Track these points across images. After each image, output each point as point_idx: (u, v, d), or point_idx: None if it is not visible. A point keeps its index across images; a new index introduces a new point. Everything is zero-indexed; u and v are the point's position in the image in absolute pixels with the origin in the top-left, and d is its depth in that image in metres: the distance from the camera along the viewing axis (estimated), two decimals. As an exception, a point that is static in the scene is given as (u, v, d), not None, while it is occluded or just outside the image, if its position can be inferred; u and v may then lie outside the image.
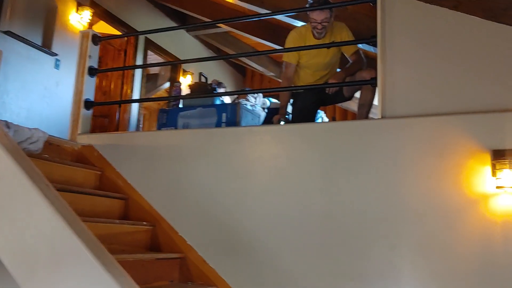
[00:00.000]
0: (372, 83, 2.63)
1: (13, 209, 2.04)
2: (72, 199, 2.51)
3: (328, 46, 3.11)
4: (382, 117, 2.49)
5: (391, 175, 2.38)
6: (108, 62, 5.79)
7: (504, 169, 2.10)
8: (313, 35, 3.16)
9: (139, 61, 5.91)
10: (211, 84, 4.01)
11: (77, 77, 3.33)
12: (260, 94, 5.26)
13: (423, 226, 2.27)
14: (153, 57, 6.83)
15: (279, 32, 5.33)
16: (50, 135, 2.97)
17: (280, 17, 4.59)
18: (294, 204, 2.53)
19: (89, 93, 3.32)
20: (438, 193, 2.28)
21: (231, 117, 3.55)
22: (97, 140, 3.16)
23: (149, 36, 6.04)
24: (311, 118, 3.43)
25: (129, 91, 5.71)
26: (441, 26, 2.48)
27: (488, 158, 2.19)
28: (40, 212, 1.97)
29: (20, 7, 4.29)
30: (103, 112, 5.60)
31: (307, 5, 3.10)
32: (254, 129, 2.90)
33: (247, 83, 8.79)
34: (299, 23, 4.03)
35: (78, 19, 4.89)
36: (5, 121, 2.70)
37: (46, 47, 4.52)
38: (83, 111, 3.25)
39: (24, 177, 2.07)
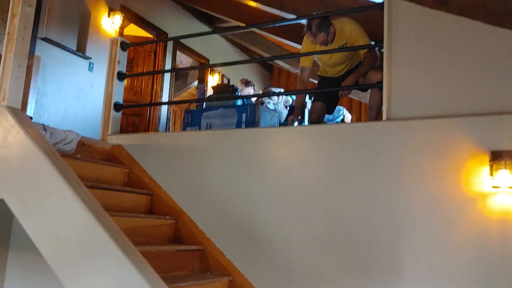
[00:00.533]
0: (379, 86, 2.77)
1: (49, 206, 2.30)
2: (101, 195, 2.78)
3: (335, 51, 3.27)
4: (387, 119, 2.62)
5: (395, 175, 2.52)
6: (139, 63, 6.09)
7: (500, 170, 2.20)
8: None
9: (168, 62, 6.17)
10: (232, 85, 4.20)
11: (107, 82, 3.59)
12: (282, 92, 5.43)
13: (424, 223, 2.40)
14: (182, 57, 7.10)
15: (300, 32, 5.46)
16: (83, 136, 3.24)
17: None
18: (303, 201, 2.70)
19: (118, 96, 3.58)
20: (440, 192, 2.40)
21: (251, 117, 3.75)
22: (126, 140, 3.41)
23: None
24: (323, 112, 3.66)
25: (159, 90, 5.98)
26: (445, 31, 2.58)
27: (487, 158, 2.29)
28: (72, 208, 2.22)
29: (55, 15, 4.60)
30: (135, 111, 5.91)
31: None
32: (267, 130, 3.08)
33: (274, 80, 8.96)
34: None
35: (110, 24, 5.18)
36: (42, 124, 2.98)
37: (80, 51, 4.83)
38: (113, 113, 3.51)
39: (58, 177, 2.33)
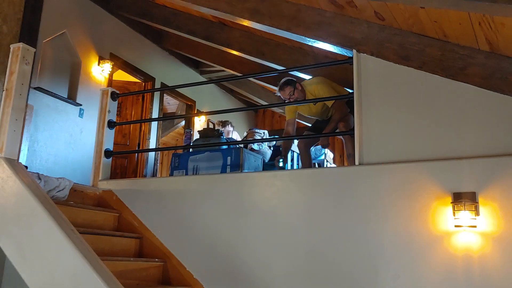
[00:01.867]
0: (351, 133, 3.01)
1: (44, 251, 2.45)
2: (93, 240, 2.93)
3: (306, 102, 3.78)
4: (360, 164, 2.85)
5: (369, 216, 2.72)
6: (127, 106, 6.31)
7: (461, 211, 2.42)
8: None
9: (156, 105, 6.40)
10: (218, 129, 4.42)
11: (98, 130, 3.79)
12: (267, 133, 5.69)
13: (397, 260, 2.60)
14: (169, 98, 7.35)
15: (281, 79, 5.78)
16: (75, 183, 3.41)
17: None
18: (286, 240, 2.88)
19: (109, 143, 3.77)
20: (409, 231, 2.61)
21: (235, 160, 3.96)
22: (116, 185, 3.58)
23: (165, 81, 6.55)
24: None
25: (147, 131, 6.18)
26: (408, 83, 2.85)
27: (449, 200, 2.52)
28: (66, 254, 2.38)
29: (48, 65, 4.83)
30: (123, 154, 6.08)
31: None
32: (251, 175, 3.28)
33: (259, 119, 9.25)
34: (298, 73, 4.45)
35: (100, 71, 5.42)
36: (37, 173, 3.15)
37: (71, 98, 5.04)
38: (103, 159, 3.70)
39: (53, 224, 2.50)
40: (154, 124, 6.36)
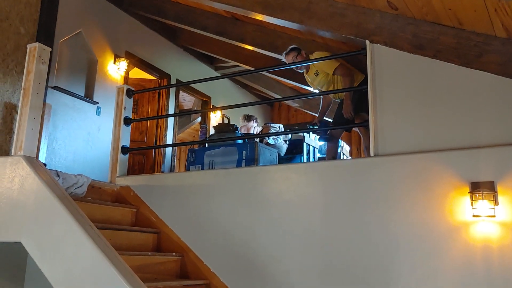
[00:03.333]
0: (366, 125, 2.98)
1: (64, 247, 2.49)
2: (111, 235, 2.97)
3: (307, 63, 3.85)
4: (375, 155, 2.82)
5: (385, 207, 2.70)
6: (144, 104, 6.37)
7: (479, 200, 2.39)
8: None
9: (172, 101, 6.45)
10: (233, 124, 4.43)
11: (114, 127, 3.83)
12: (282, 127, 5.68)
13: (414, 252, 2.57)
14: (184, 95, 7.39)
15: (296, 72, 5.76)
16: (93, 180, 3.46)
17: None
18: (301, 234, 2.88)
19: (125, 140, 3.82)
20: (426, 222, 2.58)
21: (250, 154, 3.97)
22: (133, 181, 3.62)
23: (180, 77, 6.58)
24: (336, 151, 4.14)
25: (163, 128, 6.23)
26: (422, 72, 2.81)
27: (467, 189, 2.48)
28: (85, 249, 2.42)
29: (65, 64, 4.90)
30: (141, 150, 6.14)
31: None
32: (265, 168, 3.28)
33: (275, 114, 9.23)
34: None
35: (116, 69, 5.48)
36: (55, 170, 3.21)
37: (88, 96, 5.11)
38: (120, 156, 3.74)
39: (71, 220, 2.54)
40: (170, 121, 6.41)
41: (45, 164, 3.23)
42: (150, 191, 3.52)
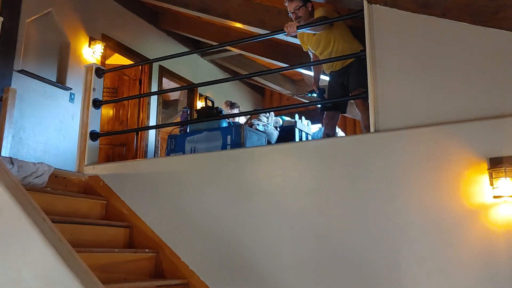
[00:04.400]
0: (364, 97, 2.59)
1: (10, 244, 2.09)
2: (73, 230, 2.58)
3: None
4: (376, 131, 2.44)
5: (389, 190, 2.32)
6: (124, 91, 5.94)
7: (501, 178, 2.01)
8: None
9: (154, 89, 6.03)
10: (217, 107, 4.04)
11: (82, 110, 3.43)
12: (272, 113, 5.29)
13: (423, 241, 2.19)
14: (171, 84, 6.98)
15: (288, 52, 5.37)
16: (56, 168, 3.05)
17: (286, 38, 4.63)
18: (292, 223, 2.50)
19: (95, 125, 3.41)
20: (437, 206, 2.20)
21: (236, 139, 3.57)
22: (103, 170, 3.22)
23: (163, 63, 6.16)
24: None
25: (145, 118, 5.82)
26: (430, 34, 2.43)
27: (485, 166, 2.10)
28: (35, 246, 2.02)
29: (33, 47, 4.48)
30: (121, 141, 5.74)
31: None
32: (250, 150, 2.89)
33: (266, 103, 8.83)
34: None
35: (91, 53, 5.06)
36: (10, 157, 2.80)
37: (60, 82, 4.69)
38: (89, 142, 3.34)
39: (20, 212, 2.13)
40: (153, 111, 6.00)
41: (-4, 151, 2.83)
42: (121, 180, 3.12)
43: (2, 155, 3.91)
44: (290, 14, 3.43)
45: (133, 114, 5.86)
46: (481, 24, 2.31)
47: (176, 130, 4.25)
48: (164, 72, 6.26)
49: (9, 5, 4.28)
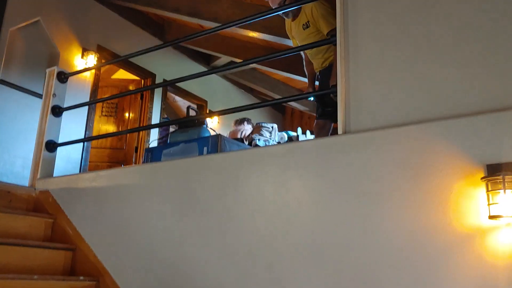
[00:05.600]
0: (333, 91, 2.08)
1: None
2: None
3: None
4: (345, 132, 1.92)
5: (360, 207, 1.78)
6: (124, 107, 5.67)
7: (499, 191, 1.44)
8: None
9: (157, 104, 5.71)
10: (199, 119, 3.62)
11: (41, 118, 3.10)
12: (276, 128, 4.83)
13: (400, 274, 1.64)
14: (177, 99, 6.66)
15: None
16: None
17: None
18: (242, 247, 1.99)
19: (53, 134, 3.07)
20: (419, 229, 1.64)
21: (212, 150, 3.13)
22: (55, 184, 2.85)
23: (168, 77, 5.85)
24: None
25: (145, 135, 5.49)
26: (415, 8, 1.91)
27: (480, 174, 1.54)
28: None
29: (17, 57, 4.27)
30: (118, 159, 5.43)
31: None
32: (202, 159, 2.43)
33: (287, 122, 8.36)
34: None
35: (83, 65, 4.80)
36: None
37: (47, 94, 4.42)
38: (44, 153, 2.99)
39: None
40: (154, 129, 5.66)
41: None
42: (70, 196, 2.73)
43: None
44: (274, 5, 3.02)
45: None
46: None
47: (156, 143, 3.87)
48: (170, 87, 5.94)
49: (-9, 13, 4.10)
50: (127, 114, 5.61)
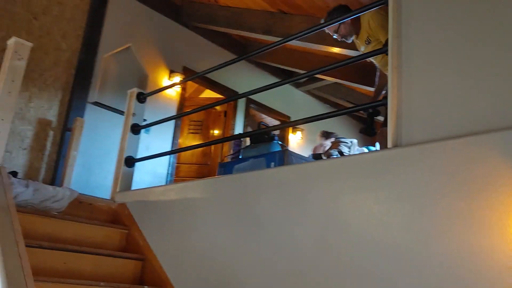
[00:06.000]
0: (384, 103, 1.97)
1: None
2: (69, 259, 2.39)
3: None
4: (396, 146, 1.81)
5: (412, 224, 1.67)
6: (209, 124, 5.89)
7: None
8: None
9: (239, 122, 5.87)
10: (270, 133, 3.65)
11: (122, 135, 3.34)
12: (356, 143, 4.72)
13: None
14: (263, 116, 6.76)
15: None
16: (81, 194, 2.96)
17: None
18: (298, 257, 1.96)
19: (132, 150, 3.28)
20: (479, 249, 1.49)
21: (279, 164, 3.16)
22: (130, 197, 3.04)
23: (253, 96, 5.99)
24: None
25: (227, 149, 5.65)
26: (479, 12, 1.76)
27: (545, 193, 1.36)
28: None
29: (110, 80, 4.65)
30: (204, 174, 5.63)
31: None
32: (254, 174, 2.42)
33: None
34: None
35: (170, 86, 5.09)
36: (27, 180, 2.76)
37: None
38: (123, 168, 3.20)
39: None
40: (238, 142, 5.81)
41: (16, 173, 2.82)
42: (143, 208, 2.89)
43: (70, 182, 4.02)
44: (335, 36, 3.16)
45: (218, 146, 5.74)
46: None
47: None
48: (252, 104, 6.07)
49: (88, 43, 4.53)
50: (211, 131, 5.83)
